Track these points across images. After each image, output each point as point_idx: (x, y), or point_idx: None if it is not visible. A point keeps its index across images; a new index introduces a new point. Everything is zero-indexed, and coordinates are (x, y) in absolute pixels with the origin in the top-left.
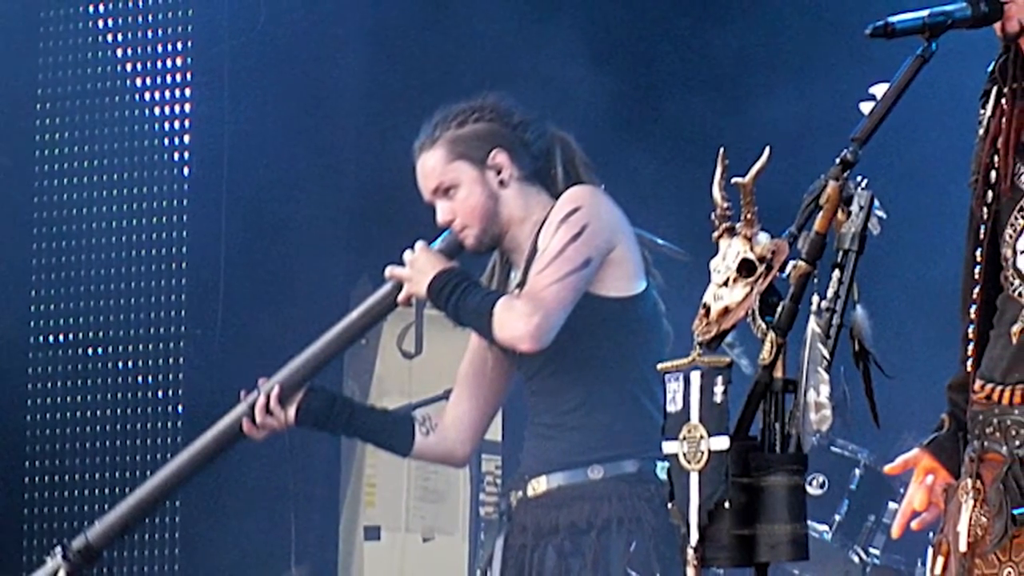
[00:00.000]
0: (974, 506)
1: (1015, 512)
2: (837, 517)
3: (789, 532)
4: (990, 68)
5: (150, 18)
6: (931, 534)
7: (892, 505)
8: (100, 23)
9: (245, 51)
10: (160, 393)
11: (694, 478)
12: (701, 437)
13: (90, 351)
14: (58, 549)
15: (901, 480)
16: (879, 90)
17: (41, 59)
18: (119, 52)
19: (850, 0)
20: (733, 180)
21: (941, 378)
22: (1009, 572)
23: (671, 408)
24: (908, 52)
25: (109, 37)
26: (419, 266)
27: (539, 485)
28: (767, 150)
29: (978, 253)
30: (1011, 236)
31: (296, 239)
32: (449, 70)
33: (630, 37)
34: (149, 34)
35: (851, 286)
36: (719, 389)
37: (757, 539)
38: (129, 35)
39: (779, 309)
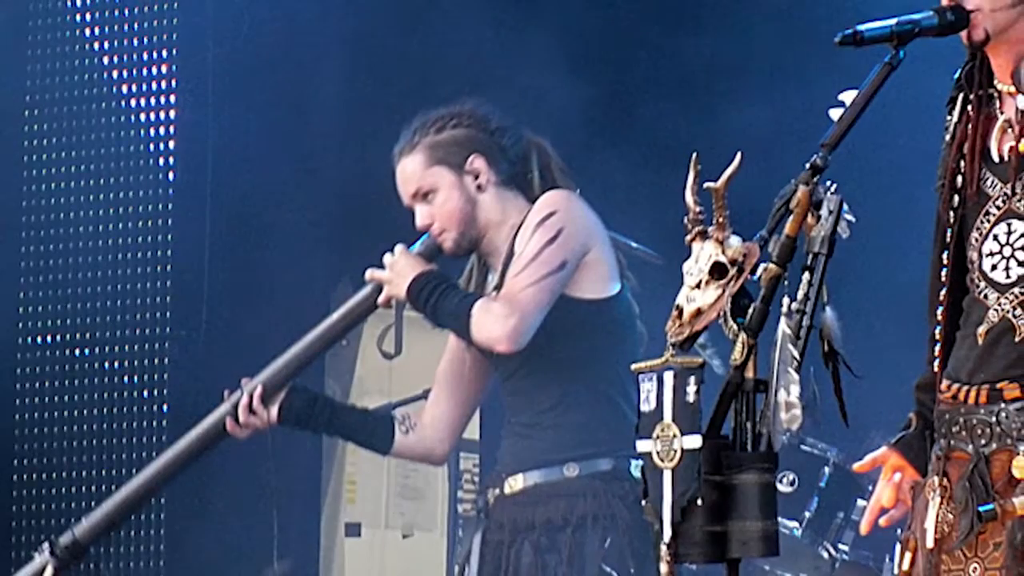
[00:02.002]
0: (941, 503)
1: (981, 509)
2: (807, 514)
3: (760, 529)
4: (956, 75)
5: (135, 27)
6: (899, 531)
7: (861, 502)
8: (87, 31)
9: (228, 59)
10: (146, 393)
11: (667, 476)
12: (674, 436)
13: (77, 352)
14: (46, 545)
15: (869, 478)
16: (848, 97)
17: (29, 67)
18: (105, 60)
19: (820, 8)
20: (705, 185)
21: (909, 378)
22: (975, 568)
23: (645, 408)
24: (876, 59)
25: (95, 45)
26: (399, 269)
27: (516, 483)
28: (738, 155)
29: (945, 256)
30: (977, 240)
31: (278, 243)
32: (427, 77)
33: (604, 45)
34: (135, 42)
35: (820, 288)
36: (692, 389)
37: (729, 535)
38: (115, 43)
39: (750, 311)
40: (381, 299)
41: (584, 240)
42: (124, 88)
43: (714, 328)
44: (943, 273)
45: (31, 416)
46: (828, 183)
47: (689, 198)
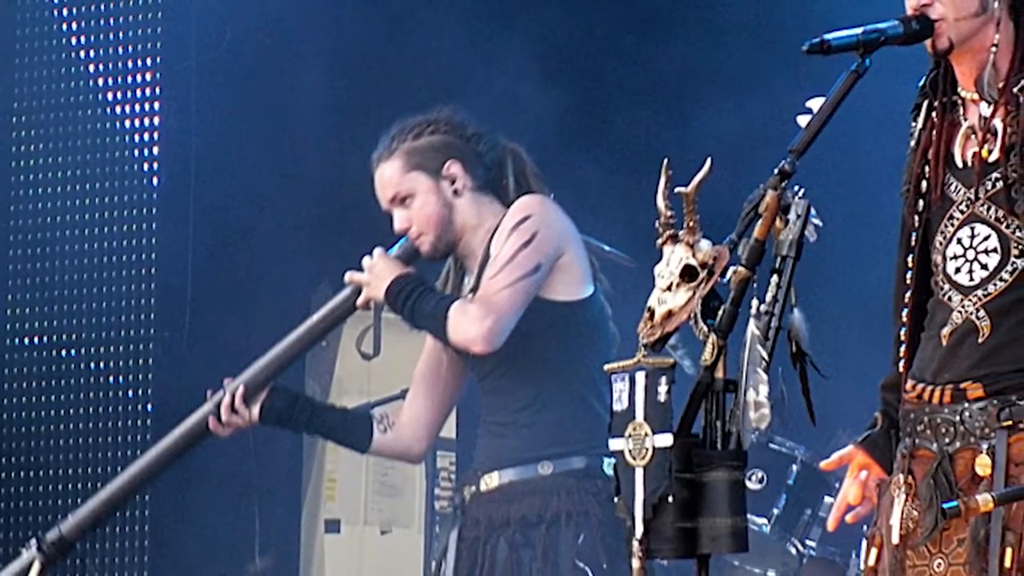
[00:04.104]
0: (906, 500)
1: (945, 506)
2: (775, 511)
3: (730, 525)
4: (921, 83)
5: (120, 35)
6: (865, 527)
7: (828, 499)
8: (72, 39)
9: (211, 67)
10: (130, 393)
11: (639, 474)
12: (646, 435)
13: (64, 352)
14: (33, 541)
15: (836, 475)
16: (816, 104)
17: (17, 74)
18: (91, 68)
19: (788, 18)
20: (676, 189)
21: (874, 378)
22: (939, 563)
23: (617, 407)
24: (843, 68)
25: (82, 54)
26: (377, 271)
27: (491, 480)
28: (709, 161)
29: (910, 259)
30: (941, 243)
31: (260, 246)
32: (405, 85)
33: (578, 53)
34: (119, 51)
35: (789, 291)
36: (663, 389)
37: (699, 532)
38: (101, 52)
39: (720, 313)
40: (360, 301)
41: (558, 243)
42: (109, 95)
43: (685, 329)
44: (908, 276)
45: (18, 415)
46: (796, 188)
47: (660, 202)
